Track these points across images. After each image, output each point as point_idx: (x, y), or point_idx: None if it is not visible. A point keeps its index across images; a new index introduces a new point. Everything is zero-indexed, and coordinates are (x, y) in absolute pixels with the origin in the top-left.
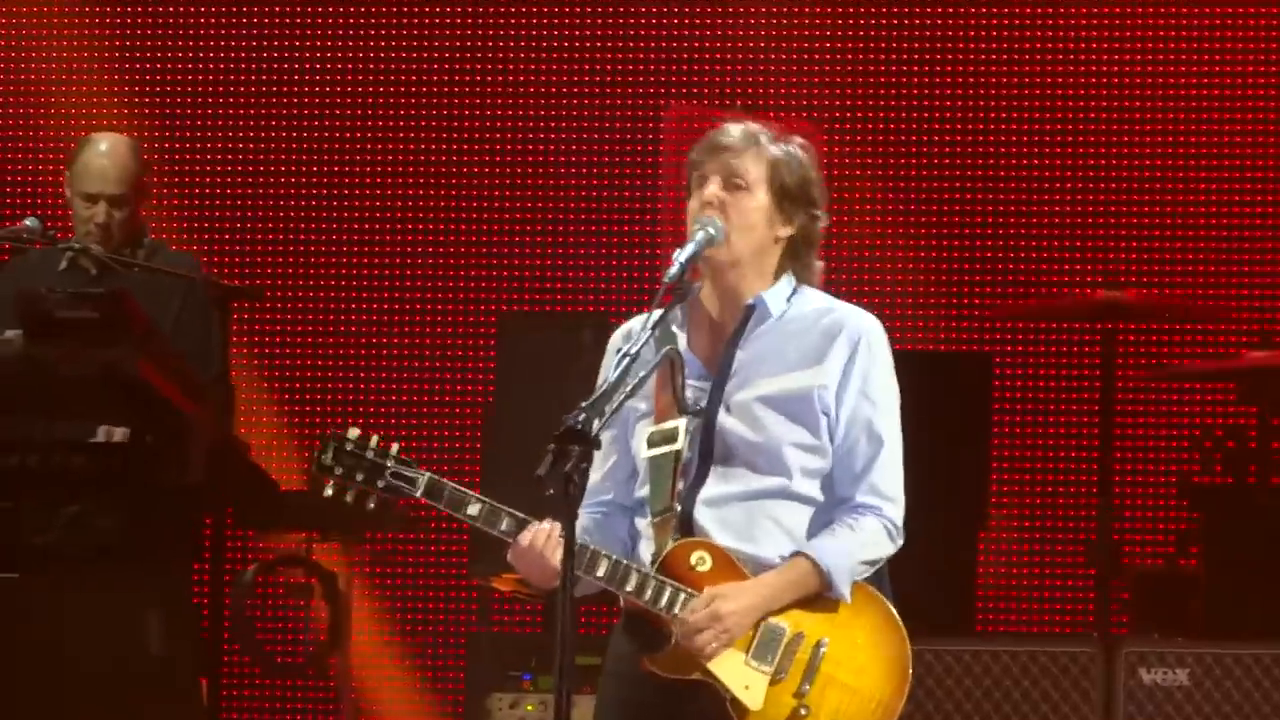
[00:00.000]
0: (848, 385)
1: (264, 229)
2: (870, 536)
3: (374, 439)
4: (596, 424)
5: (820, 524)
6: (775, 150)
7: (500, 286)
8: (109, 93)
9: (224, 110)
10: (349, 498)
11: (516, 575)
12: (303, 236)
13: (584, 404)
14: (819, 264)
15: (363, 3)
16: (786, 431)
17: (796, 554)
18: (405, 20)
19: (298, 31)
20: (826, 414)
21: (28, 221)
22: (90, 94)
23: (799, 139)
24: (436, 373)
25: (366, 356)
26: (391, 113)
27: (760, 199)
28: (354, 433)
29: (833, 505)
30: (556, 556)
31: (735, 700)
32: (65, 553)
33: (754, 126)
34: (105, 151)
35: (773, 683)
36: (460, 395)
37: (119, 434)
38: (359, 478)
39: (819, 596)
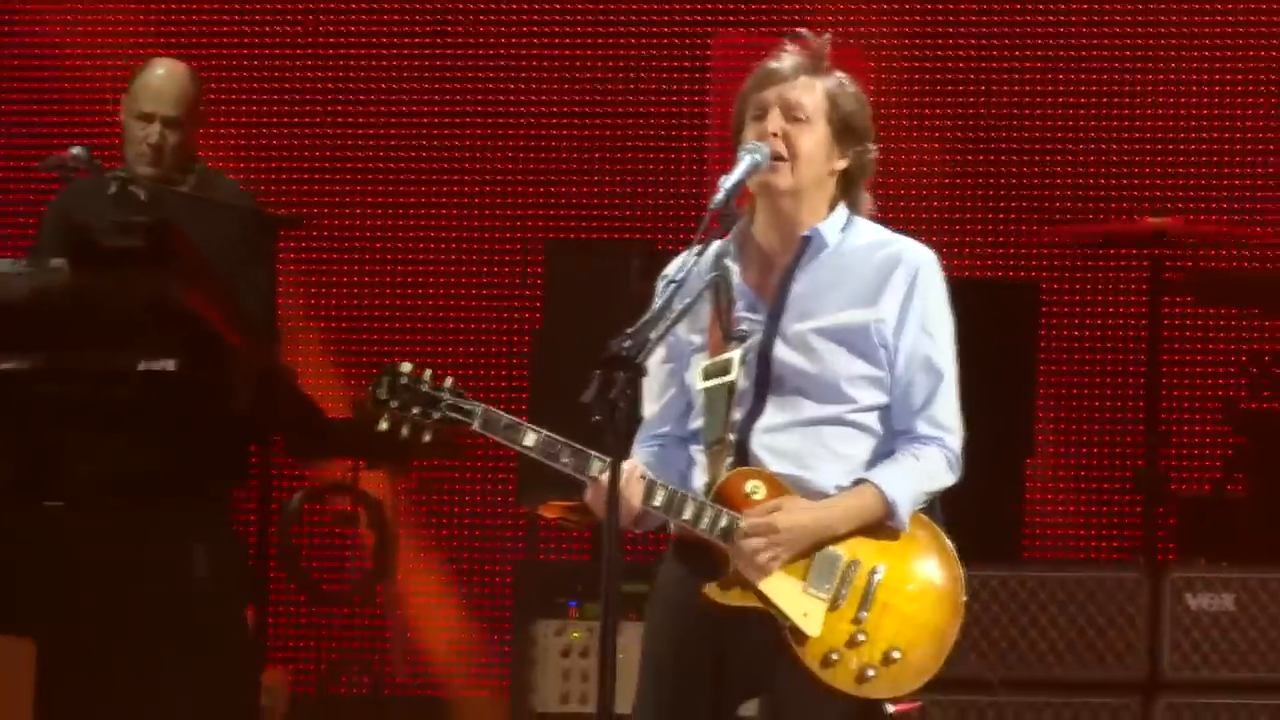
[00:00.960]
0: (906, 319)
1: (307, 157)
2: (933, 466)
3: (428, 373)
4: (642, 350)
5: (881, 455)
6: (830, 82)
7: (547, 215)
8: (151, 22)
9: (265, 39)
10: (404, 431)
11: (564, 503)
12: (349, 164)
13: (629, 330)
14: (868, 197)
15: None
16: (844, 363)
17: (860, 481)
18: None
19: None
20: (885, 347)
21: (74, 150)
22: (134, 24)
23: (844, 72)
24: (483, 300)
25: (413, 284)
26: (435, 40)
27: (820, 131)
28: (407, 366)
29: (892, 436)
30: (636, 497)
31: (794, 627)
32: (112, 483)
33: (808, 57)
34: (163, 75)
35: (830, 609)
36: (508, 324)
37: (166, 364)
38: (414, 411)
39: (878, 524)
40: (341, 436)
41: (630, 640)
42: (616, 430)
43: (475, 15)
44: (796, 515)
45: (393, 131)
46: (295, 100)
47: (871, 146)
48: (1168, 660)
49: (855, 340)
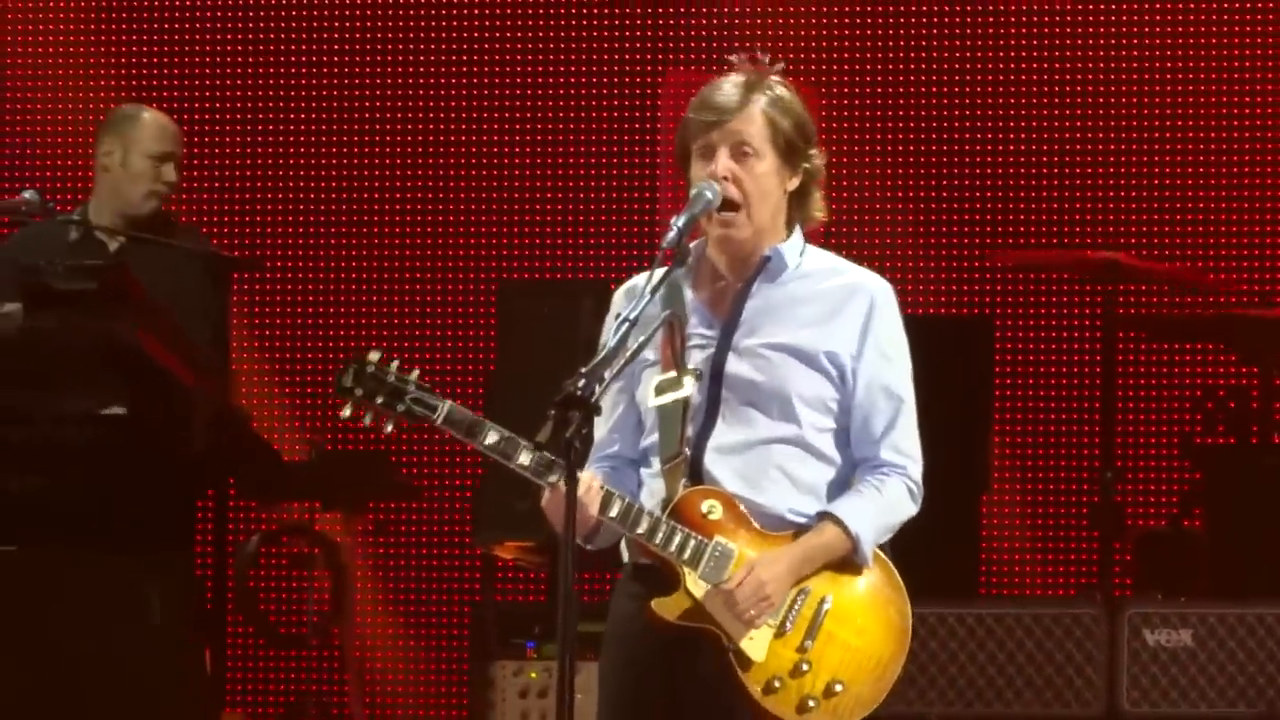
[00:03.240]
0: (865, 346)
1: (263, 199)
2: (896, 498)
3: (395, 363)
4: (596, 389)
5: (837, 482)
6: (766, 100)
7: (501, 255)
8: (102, 66)
9: (219, 79)
10: (367, 420)
11: (520, 543)
12: (303, 207)
13: (584, 369)
14: (820, 200)
15: None
16: (795, 378)
17: (825, 516)
18: None
19: (295, 6)
20: (842, 374)
21: (26, 194)
22: (82, 64)
23: (778, 77)
24: (438, 342)
25: (367, 326)
26: (389, 80)
27: (769, 161)
28: (375, 355)
29: (852, 465)
30: (594, 505)
31: (739, 652)
32: (68, 525)
33: (742, 79)
34: (165, 119)
35: (776, 636)
36: (462, 364)
37: (118, 408)
38: (379, 401)
39: (843, 558)
40: (297, 478)
41: (588, 680)
42: (572, 470)
43: (429, 57)
44: (775, 566)
45: (348, 174)
46: (249, 140)
47: (817, 153)
48: (1126, 696)
49: (808, 360)
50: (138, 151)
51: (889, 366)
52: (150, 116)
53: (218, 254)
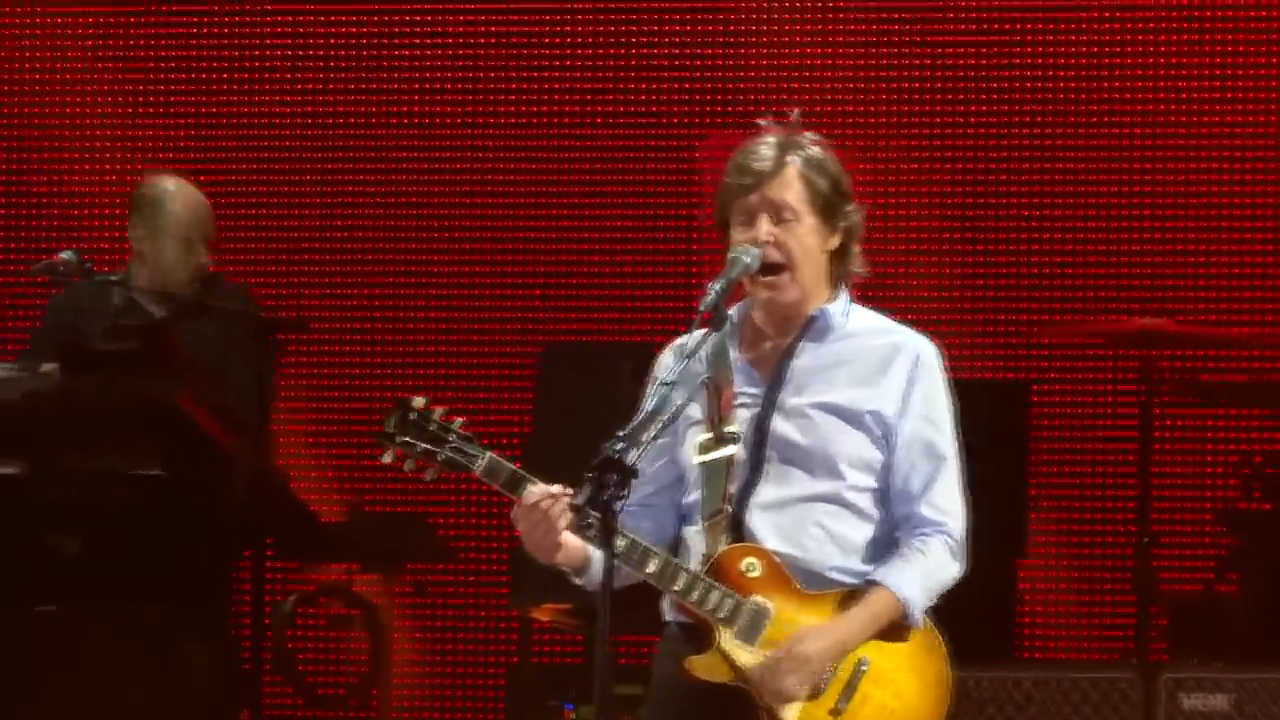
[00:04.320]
0: (909, 407)
1: (304, 261)
2: (940, 560)
3: (438, 410)
4: (634, 453)
5: (882, 544)
6: (801, 161)
7: (540, 319)
8: (139, 122)
9: (264, 142)
10: (406, 467)
11: (557, 605)
12: (344, 269)
13: (622, 433)
14: (859, 255)
15: (406, 37)
16: (839, 437)
17: (873, 584)
18: (448, 53)
19: (341, 66)
20: (886, 434)
21: (64, 254)
22: (120, 124)
23: (810, 135)
24: (478, 404)
25: (407, 388)
26: (433, 145)
27: (808, 223)
28: (419, 401)
29: (893, 524)
30: (562, 523)
31: (771, 710)
32: (106, 585)
33: (775, 140)
34: (189, 197)
35: (810, 697)
36: (501, 427)
37: (154, 468)
38: (419, 449)
39: (891, 624)
40: (334, 539)
41: None
42: (609, 532)
43: (469, 119)
44: (820, 640)
45: (388, 234)
46: (293, 204)
47: (854, 208)
48: None
49: (852, 420)
50: (167, 237)
51: (930, 427)
52: (178, 203)
53: (262, 315)
